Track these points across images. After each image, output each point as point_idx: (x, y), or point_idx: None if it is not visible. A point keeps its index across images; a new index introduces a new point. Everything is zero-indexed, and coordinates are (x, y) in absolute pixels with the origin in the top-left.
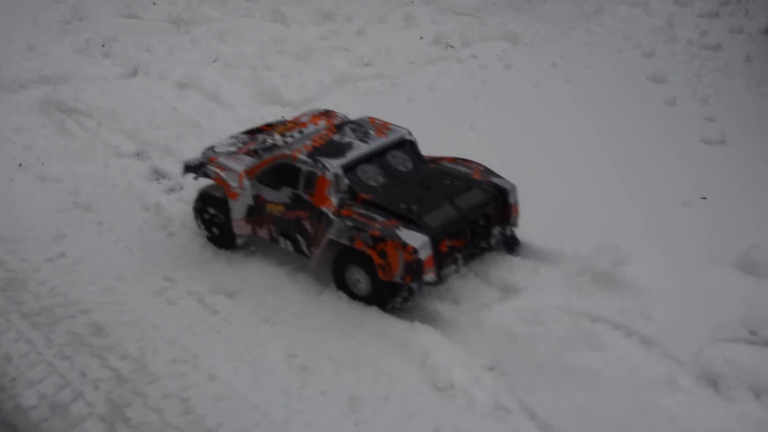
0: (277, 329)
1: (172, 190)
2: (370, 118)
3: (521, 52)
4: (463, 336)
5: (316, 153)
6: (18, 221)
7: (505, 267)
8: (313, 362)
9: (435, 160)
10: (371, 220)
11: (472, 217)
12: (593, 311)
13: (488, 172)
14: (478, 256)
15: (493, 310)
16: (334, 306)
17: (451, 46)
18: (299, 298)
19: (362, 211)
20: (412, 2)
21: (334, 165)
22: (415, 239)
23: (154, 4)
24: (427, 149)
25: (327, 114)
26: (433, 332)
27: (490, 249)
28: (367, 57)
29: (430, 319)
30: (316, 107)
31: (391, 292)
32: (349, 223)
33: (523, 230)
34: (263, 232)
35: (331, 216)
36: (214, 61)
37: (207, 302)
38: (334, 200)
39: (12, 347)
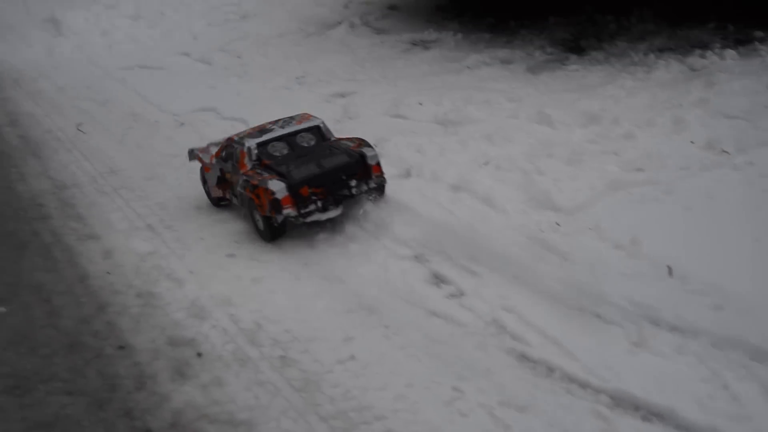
0: None
1: (452, 295)
2: (306, 113)
3: None
4: None
5: (246, 136)
6: (307, 321)
7: None
8: None
9: (337, 139)
10: (259, 175)
11: (334, 174)
12: None
13: (364, 143)
14: (343, 202)
15: None
16: (630, 427)
17: (726, 152)
18: (590, 417)
19: (259, 171)
20: (680, 105)
21: (250, 142)
22: (276, 186)
23: (420, 104)
24: (712, 263)
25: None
26: None
27: (351, 196)
28: (638, 162)
29: None
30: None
31: (277, 229)
32: (245, 177)
33: None
34: (228, 194)
35: (241, 174)
36: (485, 164)
37: (498, 416)
38: (248, 165)
39: None
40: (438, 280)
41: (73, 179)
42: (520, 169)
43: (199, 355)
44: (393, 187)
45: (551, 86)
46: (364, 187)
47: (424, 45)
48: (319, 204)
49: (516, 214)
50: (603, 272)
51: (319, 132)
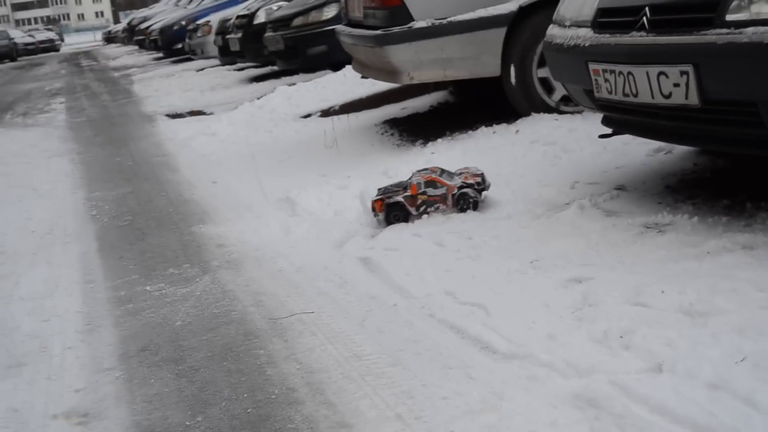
0: None
1: None
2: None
3: None
4: None
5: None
6: None
7: None
8: None
9: None
10: None
11: None
12: None
13: None
14: None
15: None
16: None
17: None
18: None
19: None
20: None
21: None
22: None
23: (663, 292)
24: None
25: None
26: None
27: None
28: None
29: None
30: None
31: None
32: None
33: None
34: None
35: None
36: (741, 360)
37: None
38: None
39: None
40: None
41: (320, 363)
42: None
43: None
44: (645, 382)
45: None
46: None
47: (659, 228)
48: None
49: None
50: None
51: None
